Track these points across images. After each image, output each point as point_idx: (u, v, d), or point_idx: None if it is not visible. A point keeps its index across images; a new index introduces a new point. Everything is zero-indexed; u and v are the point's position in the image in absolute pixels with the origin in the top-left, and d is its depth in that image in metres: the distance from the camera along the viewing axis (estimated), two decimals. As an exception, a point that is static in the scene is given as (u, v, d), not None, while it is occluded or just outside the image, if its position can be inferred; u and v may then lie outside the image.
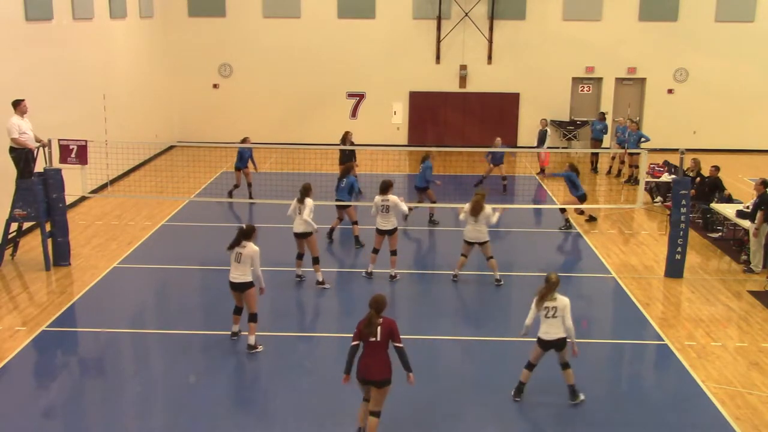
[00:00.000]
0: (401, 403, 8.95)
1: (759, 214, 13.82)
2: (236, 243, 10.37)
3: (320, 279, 12.97)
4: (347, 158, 18.24)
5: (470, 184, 20.11)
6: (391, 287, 13.07)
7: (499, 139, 20.44)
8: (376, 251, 13.42)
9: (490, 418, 9.05)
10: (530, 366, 9.26)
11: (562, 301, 8.97)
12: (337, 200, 15.37)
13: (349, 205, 15.38)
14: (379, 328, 7.94)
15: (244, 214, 18.15)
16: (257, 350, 10.47)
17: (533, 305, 9.12)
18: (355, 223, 15.40)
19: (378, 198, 13.16)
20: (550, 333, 8.97)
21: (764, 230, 13.93)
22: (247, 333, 10.58)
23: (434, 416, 9.00)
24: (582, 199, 16.53)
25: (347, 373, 8.14)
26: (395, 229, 13.24)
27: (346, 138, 18.71)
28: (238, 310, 10.73)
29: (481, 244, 13.07)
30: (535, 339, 9.17)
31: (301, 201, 12.72)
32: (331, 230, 15.62)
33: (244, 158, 18.59)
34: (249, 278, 10.36)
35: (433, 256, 15.73)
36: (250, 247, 10.33)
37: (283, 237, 16.15)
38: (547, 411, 9.20)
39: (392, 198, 13.15)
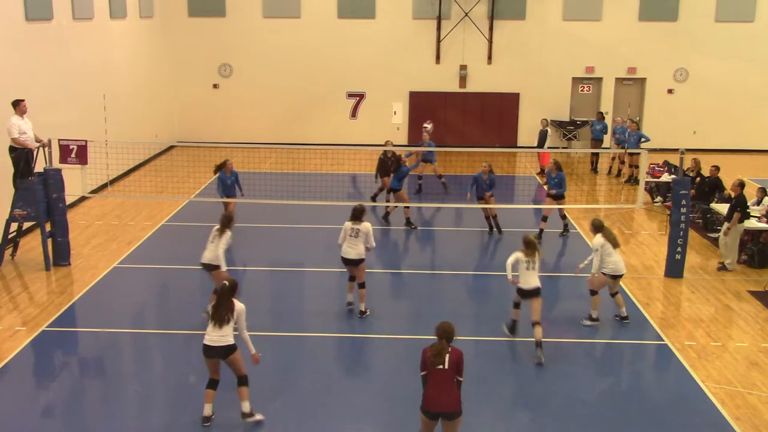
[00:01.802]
0: (405, 403, 8.99)
1: (735, 215, 13.84)
2: (222, 307, 8.58)
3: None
4: (387, 169, 17.25)
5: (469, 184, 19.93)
6: (391, 288, 13.06)
7: (426, 125, 19.43)
8: (352, 279, 11.82)
9: (491, 417, 9.06)
10: (517, 305, 10.91)
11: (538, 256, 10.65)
12: (391, 189, 16.81)
13: (400, 189, 16.46)
14: (447, 356, 7.41)
15: (243, 213, 18.09)
16: (256, 419, 8.76)
17: (513, 258, 10.52)
18: (407, 207, 16.54)
19: (348, 224, 11.54)
20: (529, 283, 10.46)
21: (737, 230, 13.98)
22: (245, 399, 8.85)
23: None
24: (560, 197, 15.85)
25: None
26: (362, 260, 11.54)
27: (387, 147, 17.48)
28: (212, 384, 8.74)
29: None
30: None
31: (221, 231, 11.12)
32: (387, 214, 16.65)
33: (227, 187, 15.54)
34: (232, 340, 8.58)
35: (433, 257, 15.74)
36: (236, 305, 8.67)
37: (280, 237, 16.21)
38: (548, 411, 9.20)
39: (365, 225, 11.50)
